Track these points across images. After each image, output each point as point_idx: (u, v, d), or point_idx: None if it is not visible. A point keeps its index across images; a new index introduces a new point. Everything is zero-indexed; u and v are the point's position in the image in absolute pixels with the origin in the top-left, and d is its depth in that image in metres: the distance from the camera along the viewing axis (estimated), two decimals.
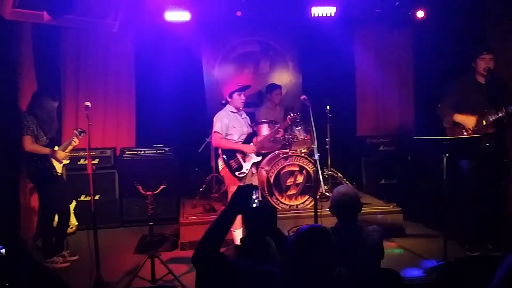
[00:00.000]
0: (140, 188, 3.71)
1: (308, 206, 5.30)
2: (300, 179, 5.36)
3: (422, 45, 6.63)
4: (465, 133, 4.28)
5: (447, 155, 3.93)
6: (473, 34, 5.56)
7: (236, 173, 4.44)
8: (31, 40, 5.18)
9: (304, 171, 5.35)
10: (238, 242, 4.08)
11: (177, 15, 5.69)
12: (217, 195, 5.90)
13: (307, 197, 5.35)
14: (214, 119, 4.52)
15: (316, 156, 4.31)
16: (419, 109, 6.77)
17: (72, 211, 5.04)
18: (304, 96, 4.71)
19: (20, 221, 4.64)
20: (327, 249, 1.86)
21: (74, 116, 5.99)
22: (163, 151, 5.86)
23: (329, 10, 5.88)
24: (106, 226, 5.42)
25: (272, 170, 5.24)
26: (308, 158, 5.30)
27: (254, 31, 6.94)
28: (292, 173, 5.35)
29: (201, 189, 5.92)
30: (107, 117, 6.22)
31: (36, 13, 4.50)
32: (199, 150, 6.01)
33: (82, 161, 5.59)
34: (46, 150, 4.33)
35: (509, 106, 4.07)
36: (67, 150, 4.47)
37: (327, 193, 4.55)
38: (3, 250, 2.86)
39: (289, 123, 4.79)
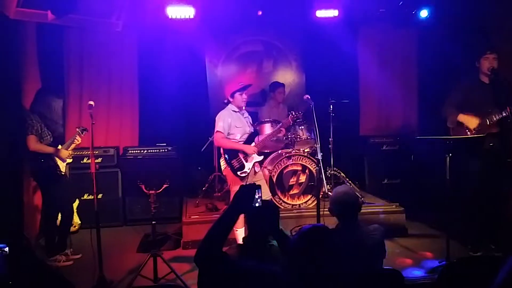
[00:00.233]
0: (143, 187, 3.72)
1: (310, 206, 5.30)
2: (302, 178, 5.36)
3: (425, 45, 6.62)
4: (469, 133, 4.27)
5: (450, 155, 3.93)
6: (476, 34, 5.54)
7: (238, 173, 4.44)
8: (35, 40, 5.21)
9: (306, 171, 5.35)
10: (240, 241, 4.11)
11: (181, 11, 5.63)
12: (219, 194, 5.90)
13: (309, 196, 5.35)
14: (216, 118, 4.52)
15: (319, 156, 4.31)
16: (423, 109, 6.75)
17: (75, 210, 5.08)
18: (307, 96, 4.70)
19: (24, 220, 4.67)
20: (330, 249, 1.86)
21: (77, 115, 6.02)
22: (166, 150, 5.86)
23: (333, 12, 5.92)
24: (109, 225, 5.43)
25: (275, 170, 5.24)
26: (311, 157, 5.29)
27: (258, 30, 6.94)
28: (294, 172, 5.35)
29: (203, 188, 5.91)
30: (110, 116, 6.25)
31: (40, 13, 4.52)
32: (202, 149, 6.00)
33: (85, 160, 5.62)
34: (50, 150, 4.35)
35: None
36: (70, 149, 4.48)
37: (329, 193, 4.55)
38: (6, 249, 2.87)
39: (291, 122, 4.76)
